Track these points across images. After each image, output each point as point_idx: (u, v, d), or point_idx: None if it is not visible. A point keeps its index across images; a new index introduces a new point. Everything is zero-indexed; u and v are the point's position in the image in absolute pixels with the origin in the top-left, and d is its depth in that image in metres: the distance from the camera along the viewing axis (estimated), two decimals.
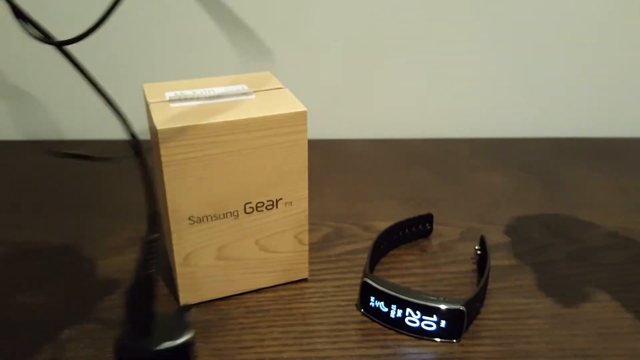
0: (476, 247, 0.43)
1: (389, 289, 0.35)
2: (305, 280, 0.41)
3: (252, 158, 0.35)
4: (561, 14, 0.61)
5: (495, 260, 0.43)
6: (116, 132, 0.65)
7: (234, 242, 0.38)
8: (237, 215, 0.37)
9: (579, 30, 0.62)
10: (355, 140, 0.64)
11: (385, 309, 0.36)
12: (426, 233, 0.47)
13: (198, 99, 0.37)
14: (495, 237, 0.47)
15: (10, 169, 0.58)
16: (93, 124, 0.65)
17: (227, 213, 0.37)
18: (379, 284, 0.36)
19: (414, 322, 0.35)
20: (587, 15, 0.62)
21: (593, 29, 0.62)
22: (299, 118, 0.36)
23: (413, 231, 0.46)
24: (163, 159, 0.33)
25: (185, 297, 0.38)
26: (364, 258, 0.40)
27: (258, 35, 0.61)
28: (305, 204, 0.39)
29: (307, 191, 0.38)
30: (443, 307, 0.34)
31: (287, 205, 0.38)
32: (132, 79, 0.61)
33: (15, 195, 0.53)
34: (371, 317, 0.37)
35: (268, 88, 0.39)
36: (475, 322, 0.37)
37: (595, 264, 0.43)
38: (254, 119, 0.34)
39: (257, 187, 0.37)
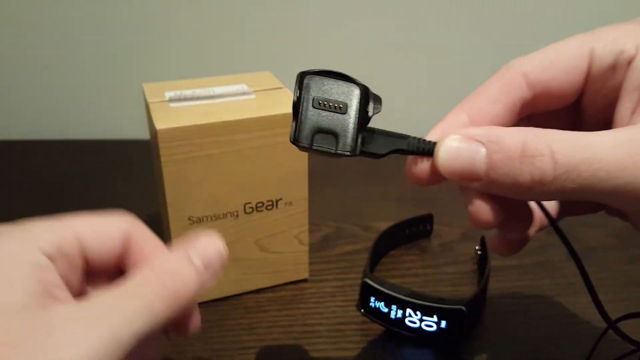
0: (477, 248, 0.43)
1: (389, 290, 0.35)
2: (305, 280, 0.41)
3: (252, 158, 0.35)
4: (559, 11, 0.61)
5: (496, 261, 0.43)
6: (116, 132, 0.65)
7: (234, 242, 0.38)
8: (237, 216, 0.37)
9: (577, 29, 0.62)
10: None
11: (386, 310, 0.36)
12: (426, 233, 0.47)
13: (198, 98, 0.37)
14: None
15: (11, 168, 0.58)
16: (94, 124, 0.65)
17: (227, 213, 0.37)
18: (379, 285, 0.36)
19: (414, 323, 0.35)
20: (585, 13, 0.61)
21: (592, 27, 0.62)
22: None
23: (413, 231, 0.46)
24: (163, 158, 0.33)
25: None
26: (364, 258, 0.40)
27: (258, 35, 0.61)
28: (305, 204, 0.39)
29: (307, 191, 0.38)
30: (443, 307, 0.34)
31: (287, 205, 0.38)
32: (131, 78, 0.61)
33: (15, 195, 0.53)
34: (371, 317, 0.37)
35: (268, 88, 0.39)
36: (475, 322, 0.37)
37: (595, 264, 0.43)
38: (254, 119, 0.34)
39: (257, 187, 0.37)
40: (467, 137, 0.23)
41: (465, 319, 0.34)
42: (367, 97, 0.23)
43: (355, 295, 0.39)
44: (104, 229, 0.25)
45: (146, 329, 0.20)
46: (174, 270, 0.23)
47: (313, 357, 0.35)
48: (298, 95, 0.22)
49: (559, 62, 0.26)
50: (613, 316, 0.38)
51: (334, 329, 0.37)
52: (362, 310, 0.37)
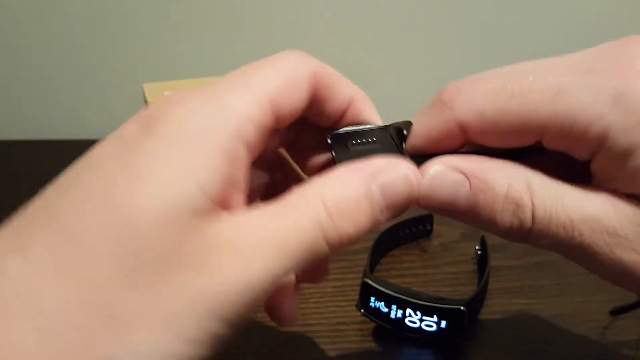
0: (477, 247, 0.43)
1: (389, 290, 0.35)
2: None
3: None
4: (559, 11, 0.61)
5: (496, 261, 0.43)
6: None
7: None
8: None
9: (577, 28, 0.62)
10: None
11: (386, 310, 0.36)
12: (426, 233, 0.47)
13: None
14: (496, 237, 0.46)
15: (11, 168, 0.58)
16: (94, 124, 0.65)
17: None
18: (379, 285, 0.36)
19: (414, 323, 0.35)
20: (586, 12, 0.61)
21: (592, 27, 0.62)
22: None
23: (413, 231, 0.46)
24: None
25: None
26: (364, 258, 0.40)
27: (258, 35, 0.61)
28: None
29: None
30: (443, 307, 0.34)
31: None
32: (132, 78, 0.61)
33: (15, 195, 0.53)
34: (371, 317, 0.37)
35: None
36: (475, 322, 0.37)
37: None
38: None
39: None
40: (451, 167, 0.22)
41: (465, 319, 0.34)
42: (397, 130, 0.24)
43: (355, 295, 0.39)
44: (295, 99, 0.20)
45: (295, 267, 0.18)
46: (345, 201, 0.19)
47: (313, 357, 0.35)
48: (332, 151, 0.22)
49: (502, 127, 0.22)
50: (614, 316, 0.38)
51: (334, 329, 0.37)
52: (362, 310, 0.37)
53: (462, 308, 0.34)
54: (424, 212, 0.46)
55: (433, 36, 0.62)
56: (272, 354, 0.35)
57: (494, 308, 0.39)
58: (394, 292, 0.35)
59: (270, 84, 0.20)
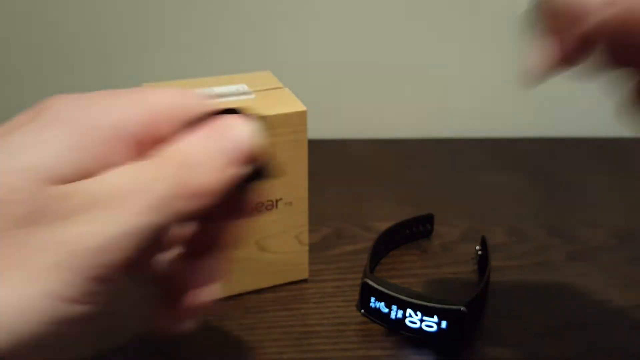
0: (477, 248, 0.43)
1: (389, 290, 0.35)
2: (305, 280, 0.41)
3: None
4: None
5: (496, 261, 0.43)
6: None
7: None
8: None
9: None
10: (356, 140, 0.64)
11: (386, 310, 0.36)
12: (427, 233, 0.47)
13: None
14: (496, 237, 0.47)
15: None
16: None
17: None
18: (379, 285, 0.36)
19: (415, 323, 0.35)
20: None
21: None
22: (299, 118, 0.35)
23: (414, 231, 0.46)
24: None
25: None
26: (364, 258, 0.40)
27: (258, 35, 0.61)
28: (305, 204, 0.39)
29: (307, 191, 0.38)
30: (443, 307, 0.34)
31: (286, 205, 0.38)
32: (132, 78, 0.61)
33: None
34: (371, 317, 0.37)
35: (268, 87, 0.39)
36: (475, 322, 0.37)
37: (595, 265, 0.43)
38: None
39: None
40: None
41: (466, 319, 0.34)
42: None
43: (355, 295, 0.39)
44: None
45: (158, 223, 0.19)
46: (187, 159, 0.20)
47: (313, 357, 0.35)
48: None
49: None
50: (614, 317, 0.38)
51: (334, 329, 0.37)
52: (363, 310, 0.37)
53: (462, 308, 0.34)
54: (425, 212, 0.46)
55: (432, 35, 0.62)
56: (272, 353, 0.35)
57: (494, 308, 0.39)
58: (394, 292, 0.35)
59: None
